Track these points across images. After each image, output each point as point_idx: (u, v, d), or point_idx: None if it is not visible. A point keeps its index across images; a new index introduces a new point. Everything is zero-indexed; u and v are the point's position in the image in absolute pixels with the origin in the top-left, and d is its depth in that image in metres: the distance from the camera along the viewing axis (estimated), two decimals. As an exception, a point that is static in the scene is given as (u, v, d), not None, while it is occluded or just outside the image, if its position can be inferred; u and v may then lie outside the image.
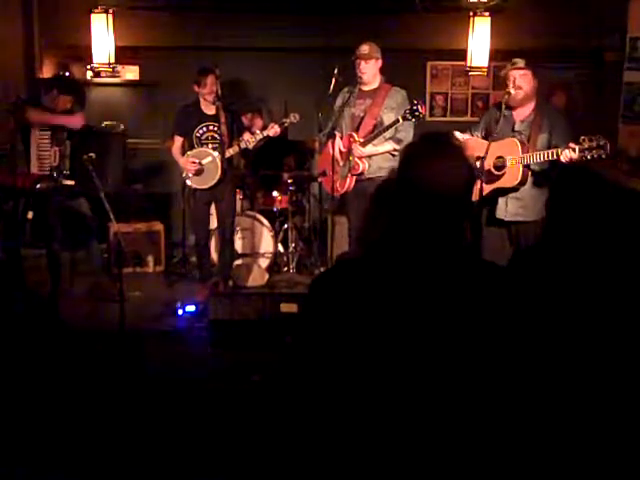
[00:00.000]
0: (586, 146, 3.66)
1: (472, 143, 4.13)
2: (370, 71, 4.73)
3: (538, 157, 3.87)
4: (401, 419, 1.41)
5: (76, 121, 5.03)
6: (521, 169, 3.95)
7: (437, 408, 1.40)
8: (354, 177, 4.78)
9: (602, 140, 3.66)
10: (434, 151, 1.50)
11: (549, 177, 4.01)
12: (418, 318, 1.42)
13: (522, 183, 3.98)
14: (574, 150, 3.68)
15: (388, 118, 4.65)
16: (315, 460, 1.48)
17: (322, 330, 1.49)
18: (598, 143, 3.65)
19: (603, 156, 3.64)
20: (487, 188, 4.06)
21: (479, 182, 3.97)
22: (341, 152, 4.84)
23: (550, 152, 3.82)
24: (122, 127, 6.45)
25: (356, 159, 4.72)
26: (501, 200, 4.08)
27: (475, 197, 4.04)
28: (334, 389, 1.46)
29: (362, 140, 4.71)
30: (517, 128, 4.09)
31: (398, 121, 4.53)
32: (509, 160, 3.97)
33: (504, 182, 4.02)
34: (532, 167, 3.97)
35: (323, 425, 1.48)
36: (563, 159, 3.73)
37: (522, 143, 3.98)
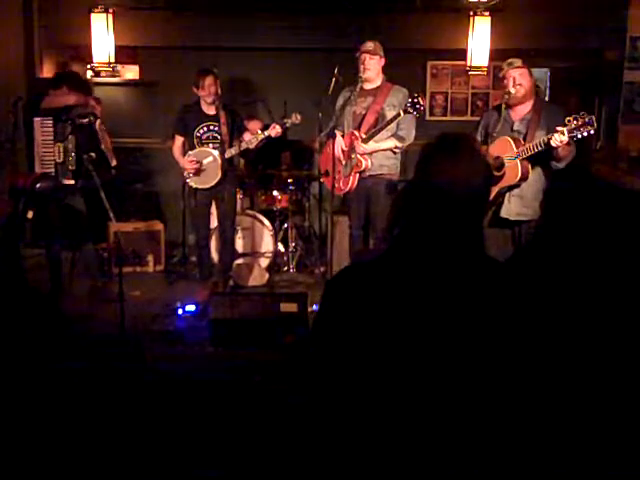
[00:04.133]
0: (573, 126, 3.67)
1: None
2: (373, 68, 4.73)
3: (531, 149, 3.88)
4: (413, 414, 1.41)
5: (95, 101, 5.03)
6: (519, 164, 3.95)
7: (447, 404, 1.40)
8: (357, 175, 4.79)
9: (587, 116, 3.66)
10: (452, 151, 1.50)
11: (550, 175, 4.02)
12: (433, 318, 1.42)
13: (524, 178, 3.98)
14: (563, 133, 3.68)
15: (390, 115, 4.65)
16: (321, 457, 1.48)
17: (338, 329, 1.49)
18: (584, 120, 3.65)
19: (592, 132, 3.65)
20: (492, 190, 4.06)
21: None
22: (343, 151, 4.84)
23: (541, 140, 3.83)
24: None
25: (358, 156, 4.72)
26: (505, 199, 4.09)
27: None
28: (351, 384, 1.46)
29: (364, 136, 4.71)
30: (516, 127, 4.10)
31: (399, 115, 4.53)
32: (506, 158, 3.98)
33: (506, 181, 4.02)
34: (531, 162, 3.97)
35: (339, 423, 1.48)
36: (553, 143, 3.72)
37: (515, 140, 3.99)
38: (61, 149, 4.93)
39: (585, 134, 3.66)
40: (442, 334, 1.41)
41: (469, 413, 1.40)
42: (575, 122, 3.66)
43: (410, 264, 1.47)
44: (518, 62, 4.08)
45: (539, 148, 3.84)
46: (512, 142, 3.98)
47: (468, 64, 6.46)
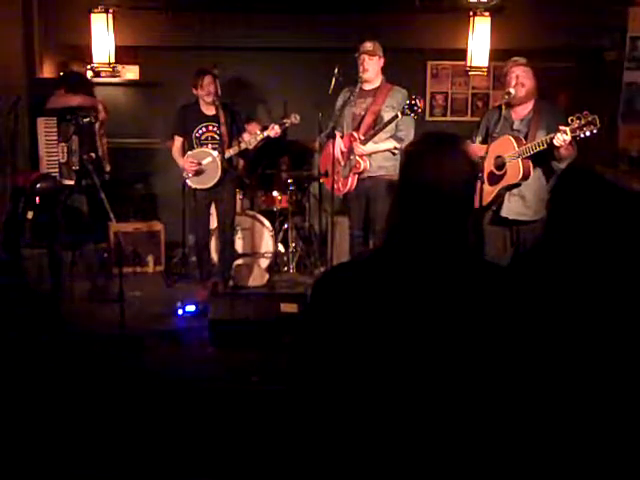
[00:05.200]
0: (576, 125, 3.66)
1: (474, 149, 4.13)
2: (373, 68, 4.73)
3: (533, 148, 3.87)
4: (403, 418, 1.41)
5: (103, 108, 5.04)
6: (521, 163, 3.95)
7: (439, 407, 1.40)
8: (356, 176, 4.79)
9: (590, 116, 3.64)
10: (435, 148, 1.51)
11: (551, 175, 4.01)
12: (420, 318, 1.42)
13: (525, 177, 3.97)
14: (566, 132, 3.67)
15: (388, 117, 4.65)
16: (316, 460, 1.48)
17: (324, 329, 1.49)
18: (587, 120, 3.64)
19: (595, 131, 3.63)
20: (493, 190, 4.06)
21: (479, 184, 3.97)
22: (342, 152, 4.84)
23: (543, 139, 3.82)
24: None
25: (357, 157, 4.72)
26: (506, 198, 4.09)
27: (485, 200, 4.05)
28: (337, 387, 1.46)
29: (362, 138, 4.71)
30: (516, 127, 4.10)
31: (397, 116, 4.53)
32: (507, 157, 3.98)
33: (507, 180, 4.02)
34: (532, 162, 3.97)
35: (325, 426, 1.48)
36: (556, 143, 3.71)
37: (517, 139, 3.99)
38: (65, 149, 4.94)
39: (588, 133, 3.64)
40: (429, 333, 1.41)
41: (458, 415, 1.40)
42: (578, 121, 3.65)
43: (398, 262, 1.47)
44: (523, 60, 4.08)
45: (541, 147, 3.83)
46: (514, 141, 3.98)
47: (468, 64, 6.46)
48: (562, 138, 3.68)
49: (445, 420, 1.40)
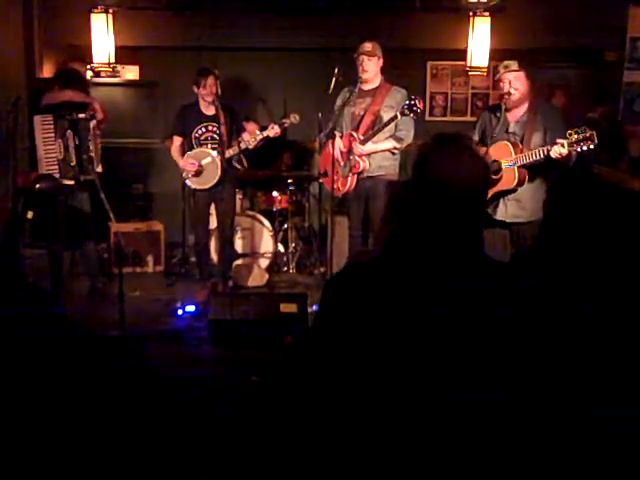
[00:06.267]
0: (574, 139, 3.68)
1: None
2: (372, 69, 4.73)
3: (530, 157, 3.89)
4: (408, 418, 1.41)
5: (93, 100, 5.04)
6: (516, 170, 3.96)
7: (444, 407, 1.40)
8: (355, 176, 4.79)
9: (588, 131, 3.68)
10: (449, 150, 1.51)
11: (547, 176, 4.02)
12: (429, 318, 1.42)
13: (520, 184, 4.00)
14: (563, 145, 3.70)
15: (388, 117, 4.65)
16: (318, 459, 1.48)
17: (335, 330, 1.49)
18: (585, 135, 3.67)
19: (592, 147, 3.67)
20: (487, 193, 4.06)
21: None
22: (341, 152, 4.84)
23: (540, 150, 3.84)
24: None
25: (356, 157, 4.72)
26: (501, 202, 4.09)
27: None
28: (344, 387, 1.46)
29: (362, 138, 4.71)
30: (511, 129, 4.10)
31: (396, 117, 4.54)
32: (503, 163, 3.98)
33: (502, 185, 4.03)
34: (528, 167, 3.97)
35: (330, 425, 1.48)
36: (553, 155, 3.74)
37: (514, 144, 4.00)
38: (61, 145, 4.93)
39: (585, 148, 3.68)
40: (439, 334, 1.41)
41: (466, 413, 1.40)
42: (577, 136, 3.68)
43: (407, 264, 1.47)
44: (514, 65, 4.06)
45: (538, 157, 3.85)
46: (511, 147, 3.98)
47: (468, 64, 6.45)
48: (559, 151, 3.71)
49: (449, 418, 1.40)
